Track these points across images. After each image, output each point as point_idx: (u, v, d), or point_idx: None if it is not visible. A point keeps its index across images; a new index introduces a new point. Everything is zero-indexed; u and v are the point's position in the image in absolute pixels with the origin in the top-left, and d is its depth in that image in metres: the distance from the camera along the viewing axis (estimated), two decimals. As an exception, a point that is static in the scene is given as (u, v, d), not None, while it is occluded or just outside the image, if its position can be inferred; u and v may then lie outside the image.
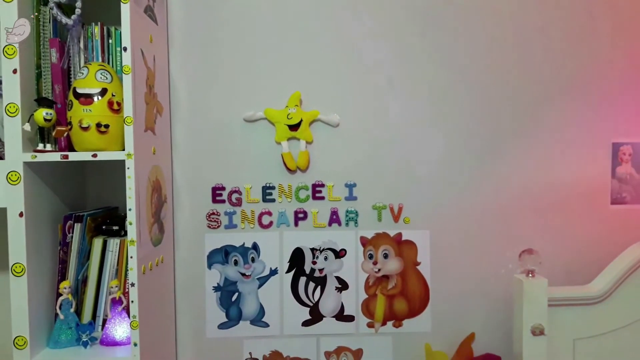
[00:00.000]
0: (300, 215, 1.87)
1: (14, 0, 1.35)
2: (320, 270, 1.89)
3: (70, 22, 1.46)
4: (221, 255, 1.86)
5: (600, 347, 1.76)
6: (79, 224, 1.53)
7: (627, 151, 1.93)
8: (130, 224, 1.40)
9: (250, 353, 1.89)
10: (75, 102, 1.40)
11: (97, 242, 1.55)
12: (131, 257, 1.40)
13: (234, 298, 1.87)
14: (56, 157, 1.39)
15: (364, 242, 1.89)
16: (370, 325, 1.90)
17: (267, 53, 1.84)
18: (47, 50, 1.45)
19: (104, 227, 1.60)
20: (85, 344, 1.47)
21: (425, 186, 1.90)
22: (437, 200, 1.90)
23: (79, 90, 1.41)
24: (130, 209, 1.39)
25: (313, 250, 1.88)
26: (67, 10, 1.49)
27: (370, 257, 1.89)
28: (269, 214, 1.87)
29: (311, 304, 1.89)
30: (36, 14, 1.43)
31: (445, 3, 1.87)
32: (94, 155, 1.39)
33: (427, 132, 1.89)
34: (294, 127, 1.81)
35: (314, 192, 1.87)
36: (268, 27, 1.84)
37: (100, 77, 1.42)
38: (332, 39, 1.86)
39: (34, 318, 1.42)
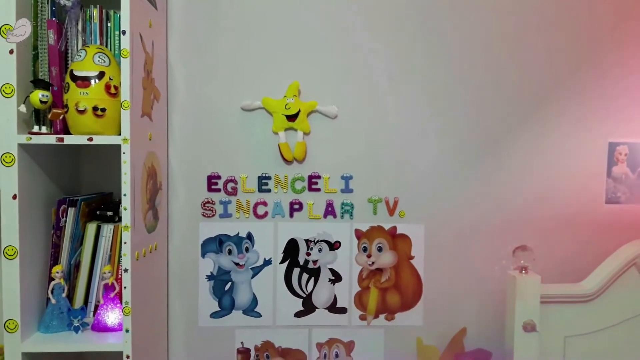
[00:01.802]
0: (296, 206, 1.87)
1: (11, -21, 1.34)
2: (314, 262, 1.88)
3: (68, 3, 1.44)
4: (215, 244, 1.85)
5: (591, 344, 1.77)
6: (73, 209, 1.52)
7: (623, 151, 1.93)
8: (125, 209, 1.39)
9: (242, 343, 1.88)
10: (72, 84, 1.39)
11: (91, 227, 1.53)
12: (125, 243, 1.40)
13: (227, 287, 1.87)
14: (51, 139, 1.38)
15: (359, 234, 1.89)
16: (362, 318, 1.91)
17: (267, 42, 1.83)
18: (45, 32, 1.44)
19: (98, 212, 1.59)
20: (76, 329, 1.46)
21: (421, 181, 1.89)
22: (432, 195, 1.90)
23: (76, 73, 1.39)
24: (125, 195, 1.39)
25: (307, 241, 1.88)
26: (66, -9, 1.47)
27: (365, 249, 1.89)
28: (264, 204, 1.86)
29: (304, 295, 1.89)
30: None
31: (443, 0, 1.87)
32: (90, 139, 1.38)
33: (425, 127, 1.89)
34: (291, 118, 1.80)
35: (310, 183, 1.86)
36: (268, 16, 1.83)
37: (98, 60, 1.41)
38: (333, 30, 1.85)
39: (25, 302, 1.41)
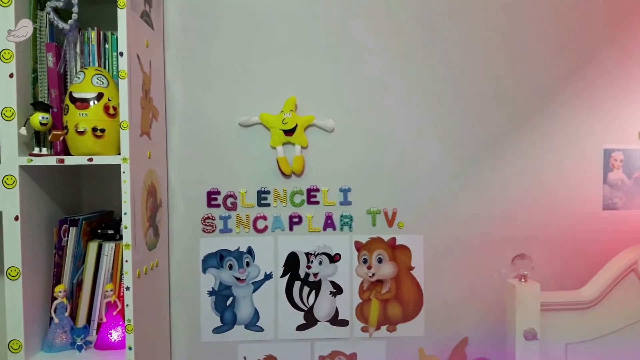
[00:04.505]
0: (295, 220, 1.88)
1: (11, 4, 1.36)
2: (315, 275, 1.89)
3: (67, 26, 1.47)
4: (216, 259, 1.87)
5: (593, 351, 1.78)
6: (74, 228, 1.54)
7: (619, 157, 1.95)
8: (126, 228, 1.40)
9: (244, 357, 1.89)
10: (72, 106, 1.41)
11: (92, 246, 1.55)
12: (126, 261, 1.41)
13: (228, 302, 1.88)
14: (52, 161, 1.40)
15: (358, 246, 1.90)
16: (364, 330, 1.91)
17: (263, 58, 1.85)
18: (44, 55, 1.46)
19: (99, 231, 1.60)
20: (79, 348, 1.47)
21: (419, 191, 1.91)
22: (431, 205, 1.91)
23: (75, 95, 1.41)
24: (125, 213, 1.40)
25: (308, 254, 1.89)
26: (64, 15, 1.50)
27: (365, 261, 1.90)
28: (264, 218, 1.87)
29: (305, 309, 1.90)
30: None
31: (440, 9, 1.89)
32: (90, 160, 1.40)
33: (422, 138, 1.90)
34: (289, 132, 1.82)
35: (309, 196, 1.88)
36: (264, 33, 1.85)
37: (97, 82, 1.43)
38: (328, 44, 1.87)
39: (29, 321, 1.42)
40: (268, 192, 1.87)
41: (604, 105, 1.95)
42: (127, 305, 1.41)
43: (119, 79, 1.39)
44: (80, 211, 1.76)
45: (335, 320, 1.91)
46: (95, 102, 1.41)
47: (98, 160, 1.40)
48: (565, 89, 1.94)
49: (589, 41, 1.94)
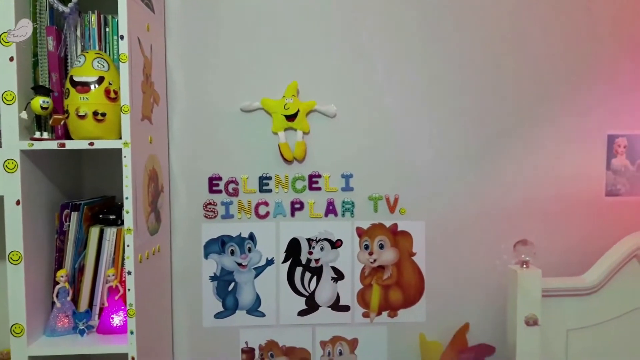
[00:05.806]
0: (297, 206, 1.88)
1: (10, -13, 1.35)
2: (316, 261, 1.90)
3: (67, 10, 1.46)
4: (218, 245, 1.87)
5: (594, 337, 1.78)
6: (76, 213, 1.53)
7: (622, 143, 1.94)
8: (127, 212, 1.40)
9: (246, 342, 1.90)
10: (72, 90, 1.40)
11: (94, 231, 1.55)
12: (128, 246, 1.41)
13: (230, 288, 1.88)
14: (53, 145, 1.39)
15: (360, 232, 1.90)
16: (365, 315, 1.92)
17: (265, 43, 1.84)
18: (44, 38, 1.45)
19: (100, 216, 1.60)
20: (82, 332, 1.48)
21: (421, 177, 1.90)
22: (432, 192, 1.91)
23: (76, 79, 1.40)
24: (127, 198, 1.40)
25: (309, 240, 1.89)
26: (64, -2, 1.48)
27: (366, 247, 1.90)
28: (266, 204, 1.87)
29: (307, 294, 1.90)
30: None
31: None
32: (91, 144, 1.40)
33: (424, 124, 1.89)
34: (290, 118, 1.82)
35: (311, 182, 1.87)
36: (265, 17, 1.84)
37: (97, 66, 1.42)
38: (330, 29, 1.85)
39: (31, 306, 1.42)
40: (270, 178, 1.86)
41: (607, 91, 1.93)
42: (129, 289, 1.41)
43: (120, 62, 1.38)
44: (82, 196, 1.76)
45: (337, 305, 1.91)
46: (96, 85, 1.40)
47: (99, 144, 1.40)
48: (569, 74, 1.92)
49: (592, 28, 1.92)
